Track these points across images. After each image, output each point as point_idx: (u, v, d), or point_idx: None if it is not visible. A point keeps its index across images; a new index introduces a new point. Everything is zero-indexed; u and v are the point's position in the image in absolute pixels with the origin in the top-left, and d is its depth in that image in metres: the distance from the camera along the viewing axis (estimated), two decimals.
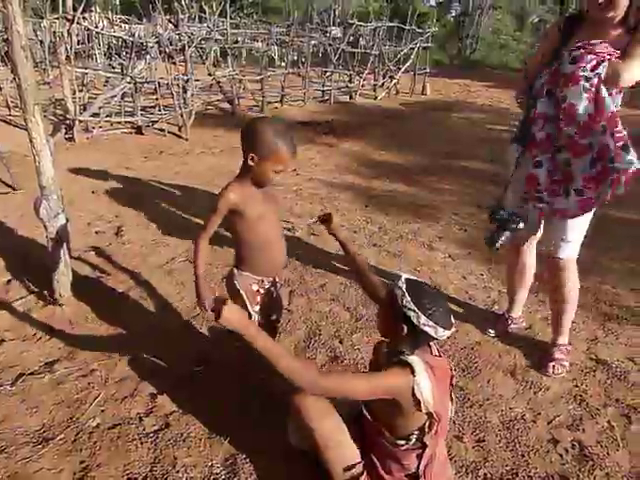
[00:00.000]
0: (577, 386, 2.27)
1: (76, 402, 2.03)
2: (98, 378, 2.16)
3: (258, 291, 1.90)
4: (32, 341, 2.37)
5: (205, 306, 1.88)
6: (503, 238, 2.25)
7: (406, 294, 1.41)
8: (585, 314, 2.83)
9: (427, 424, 1.43)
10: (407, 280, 1.45)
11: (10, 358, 2.25)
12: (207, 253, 1.89)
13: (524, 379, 2.30)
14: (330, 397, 1.54)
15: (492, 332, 2.61)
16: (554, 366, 2.34)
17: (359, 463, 1.55)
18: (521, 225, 2.23)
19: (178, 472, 1.73)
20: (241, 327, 1.37)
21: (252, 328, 1.40)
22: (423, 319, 1.38)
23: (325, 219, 1.97)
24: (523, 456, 1.88)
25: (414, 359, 1.42)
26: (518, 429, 2.00)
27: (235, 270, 1.89)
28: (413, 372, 1.39)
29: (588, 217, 2.18)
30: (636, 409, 2.14)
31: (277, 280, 2.04)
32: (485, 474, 1.79)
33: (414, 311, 1.38)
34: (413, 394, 1.38)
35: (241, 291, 1.86)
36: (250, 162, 1.73)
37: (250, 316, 1.89)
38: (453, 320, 1.45)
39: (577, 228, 2.18)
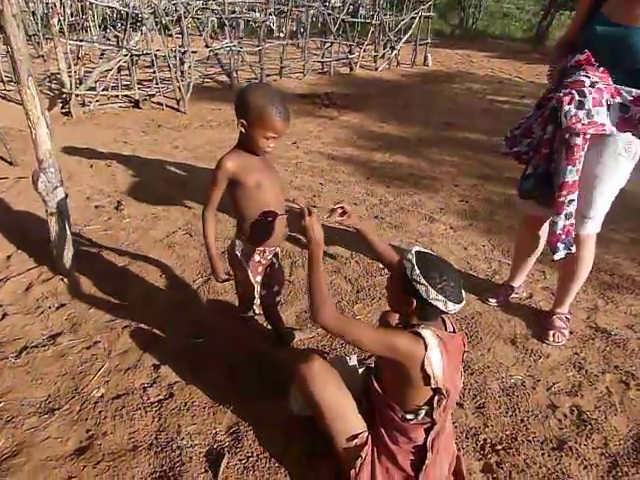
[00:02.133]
0: (577, 354, 2.29)
1: (80, 374, 2.05)
2: (101, 350, 2.18)
3: (260, 262, 1.89)
4: (35, 314, 2.39)
5: (220, 276, 1.88)
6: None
7: (415, 267, 1.36)
8: (585, 283, 2.82)
9: (436, 400, 1.41)
10: (417, 252, 1.41)
11: (14, 331, 2.27)
12: (215, 224, 1.88)
13: (524, 347, 2.32)
14: (339, 337, 1.54)
15: (493, 302, 2.62)
16: (554, 334, 2.35)
17: (363, 433, 1.55)
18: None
19: (183, 439, 1.76)
20: (316, 237, 1.49)
21: (321, 243, 1.50)
22: (432, 293, 1.34)
23: (343, 211, 1.71)
24: (522, 421, 1.91)
25: (427, 333, 1.38)
26: (518, 395, 2.03)
27: (237, 241, 1.88)
28: (425, 346, 1.36)
29: (613, 193, 2.13)
30: (634, 375, 2.16)
31: (278, 251, 2.04)
32: (485, 439, 1.82)
33: (423, 284, 1.34)
34: (422, 369, 1.36)
35: (242, 261, 1.86)
36: (241, 128, 1.71)
37: (252, 287, 1.90)
38: (464, 293, 1.41)
39: (599, 204, 2.12)
